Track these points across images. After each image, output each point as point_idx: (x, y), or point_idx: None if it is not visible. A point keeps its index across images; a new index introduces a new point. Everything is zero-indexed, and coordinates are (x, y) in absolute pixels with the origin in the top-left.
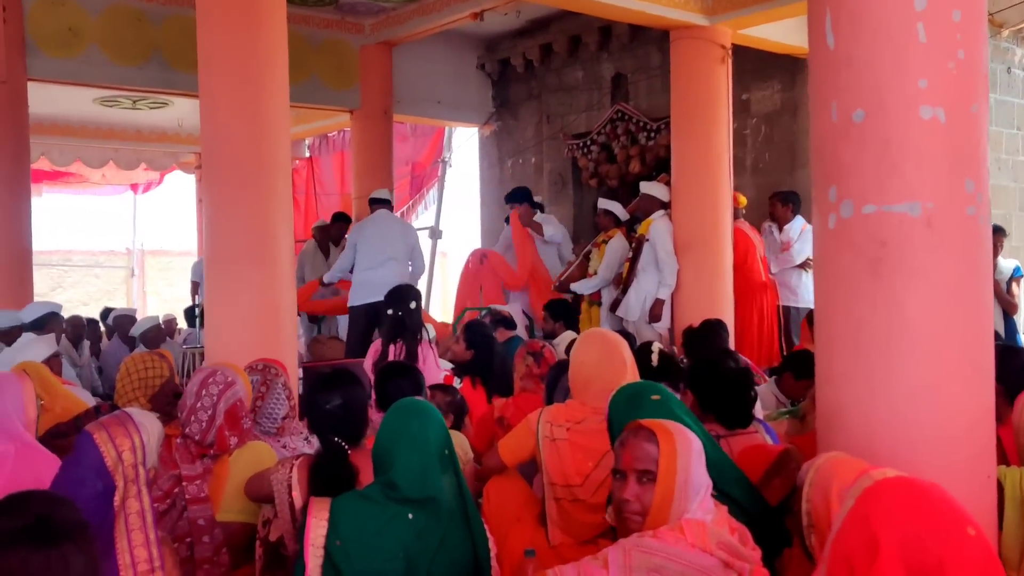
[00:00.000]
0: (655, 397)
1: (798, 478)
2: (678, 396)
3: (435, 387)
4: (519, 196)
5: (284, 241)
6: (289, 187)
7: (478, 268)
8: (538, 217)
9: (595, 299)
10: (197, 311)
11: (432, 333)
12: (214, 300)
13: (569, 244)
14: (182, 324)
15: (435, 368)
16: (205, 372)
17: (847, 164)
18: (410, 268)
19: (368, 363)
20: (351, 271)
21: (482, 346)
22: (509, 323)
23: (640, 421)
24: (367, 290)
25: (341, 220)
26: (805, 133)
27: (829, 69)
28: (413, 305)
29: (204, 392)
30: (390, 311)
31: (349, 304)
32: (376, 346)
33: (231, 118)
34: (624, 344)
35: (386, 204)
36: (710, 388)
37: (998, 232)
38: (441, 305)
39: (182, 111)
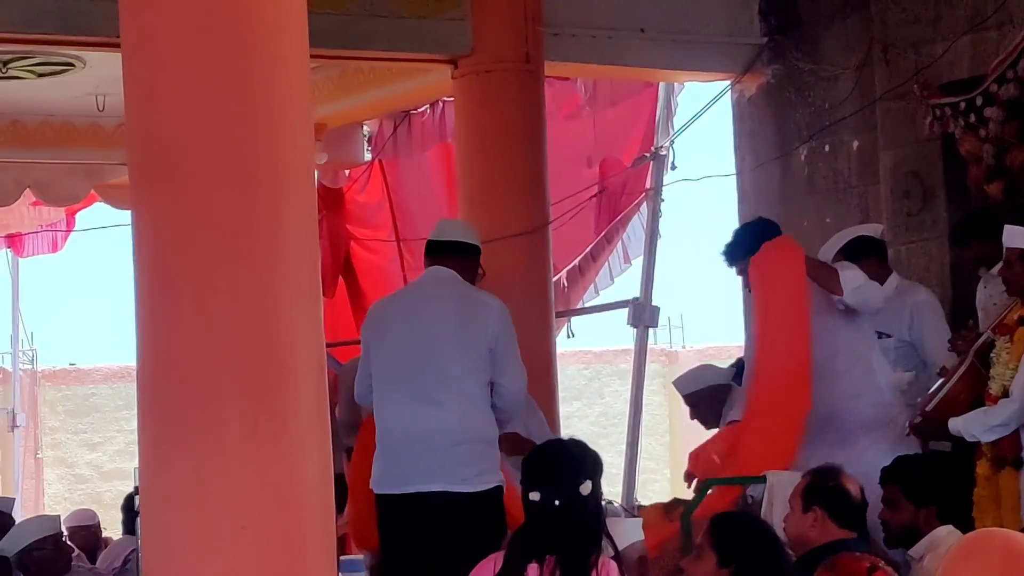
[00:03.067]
0: None
1: None
2: None
3: None
4: (752, 241)
5: (304, 351)
6: (313, 232)
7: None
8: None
9: (1008, 453)
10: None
11: (636, 535)
12: (158, 481)
13: (940, 330)
14: (112, 530)
15: None
16: None
17: None
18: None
19: None
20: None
21: (755, 560)
22: (852, 513)
23: None
24: (397, 463)
25: None
26: None
27: None
28: (586, 488)
29: None
30: (533, 495)
31: (375, 491)
32: (484, 569)
33: (186, 93)
34: None
35: (459, 254)
36: None
37: None
38: (668, 472)
39: (99, 77)
